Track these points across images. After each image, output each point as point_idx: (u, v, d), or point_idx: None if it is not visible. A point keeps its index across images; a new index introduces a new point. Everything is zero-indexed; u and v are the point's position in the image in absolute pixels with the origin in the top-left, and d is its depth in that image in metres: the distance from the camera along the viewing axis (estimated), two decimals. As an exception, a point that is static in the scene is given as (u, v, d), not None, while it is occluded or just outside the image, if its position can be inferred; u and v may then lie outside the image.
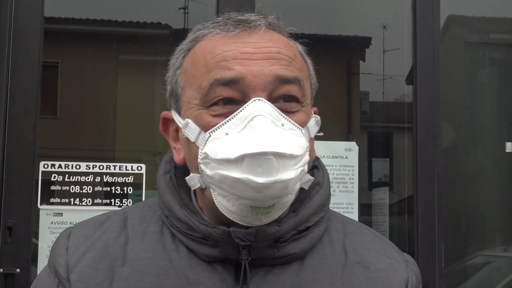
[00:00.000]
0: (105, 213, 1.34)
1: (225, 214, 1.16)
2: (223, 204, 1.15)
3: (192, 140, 1.19)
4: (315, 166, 1.31)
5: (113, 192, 3.13)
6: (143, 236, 1.24)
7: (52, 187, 3.08)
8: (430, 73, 3.45)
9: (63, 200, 3.08)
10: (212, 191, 1.16)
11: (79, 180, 3.09)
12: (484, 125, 4.68)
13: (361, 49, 4.95)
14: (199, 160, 1.17)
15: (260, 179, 1.08)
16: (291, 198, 1.16)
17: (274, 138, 1.10)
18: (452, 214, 4.11)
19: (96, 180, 3.12)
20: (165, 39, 5.14)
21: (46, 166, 3.09)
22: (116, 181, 3.13)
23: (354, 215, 3.35)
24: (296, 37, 1.29)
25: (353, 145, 3.45)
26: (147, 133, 5.14)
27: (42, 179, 3.07)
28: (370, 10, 4.69)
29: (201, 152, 1.16)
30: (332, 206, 3.47)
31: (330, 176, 3.44)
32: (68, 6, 4.47)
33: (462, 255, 4.44)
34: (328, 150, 3.41)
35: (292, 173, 1.12)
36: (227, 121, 1.14)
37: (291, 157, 1.11)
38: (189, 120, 1.20)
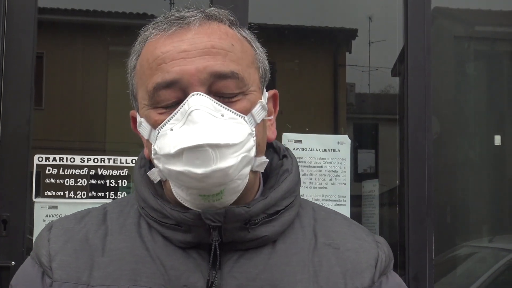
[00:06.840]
0: (86, 208, 1.41)
1: (182, 203, 1.23)
2: (179, 193, 1.22)
3: (146, 138, 1.27)
4: (284, 155, 1.38)
5: (108, 185, 3.12)
6: (121, 228, 1.31)
7: (47, 180, 3.06)
8: (421, 66, 3.47)
9: (57, 193, 3.06)
10: (170, 182, 1.24)
11: (73, 173, 3.08)
12: (472, 118, 4.72)
13: (347, 41, 4.96)
14: (152, 156, 1.25)
15: (199, 170, 1.15)
16: (240, 183, 1.21)
17: (209, 130, 1.16)
18: (439, 206, 4.15)
19: (90, 173, 3.10)
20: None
21: (40, 159, 3.06)
22: (110, 174, 3.12)
23: (346, 208, 3.36)
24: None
25: (345, 138, 3.46)
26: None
27: (36, 172, 3.05)
28: (356, 1, 4.71)
29: (153, 148, 1.23)
30: (324, 199, 3.49)
31: (322, 169, 3.44)
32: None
33: (449, 246, 4.48)
34: (320, 143, 3.41)
35: (232, 161, 1.17)
36: (171, 118, 1.20)
37: (228, 146, 1.16)
38: (142, 119, 1.27)
